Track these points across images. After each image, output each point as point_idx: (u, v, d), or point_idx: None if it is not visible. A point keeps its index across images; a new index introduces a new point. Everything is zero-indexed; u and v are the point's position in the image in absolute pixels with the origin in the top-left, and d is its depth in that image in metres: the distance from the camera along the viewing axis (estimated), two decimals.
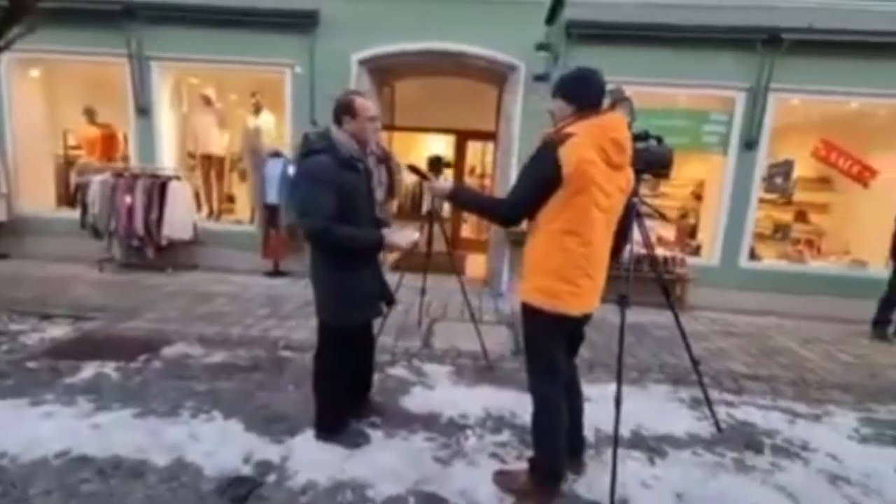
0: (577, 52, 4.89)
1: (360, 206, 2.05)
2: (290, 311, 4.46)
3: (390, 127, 6.65)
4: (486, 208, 1.93)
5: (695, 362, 2.65)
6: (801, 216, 6.27)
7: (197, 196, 6.20)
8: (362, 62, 5.39)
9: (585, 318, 1.90)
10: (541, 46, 5.05)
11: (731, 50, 5.09)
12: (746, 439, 2.61)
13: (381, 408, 2.65)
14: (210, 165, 6.28)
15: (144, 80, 5.61)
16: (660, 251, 5.69)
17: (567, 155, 1.57)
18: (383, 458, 2.20)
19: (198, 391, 2.79)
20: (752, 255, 5.60)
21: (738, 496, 2.11)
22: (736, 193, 5.41)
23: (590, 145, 1.59)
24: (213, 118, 6.12)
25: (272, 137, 6.15)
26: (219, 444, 2.25)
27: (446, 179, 2.07)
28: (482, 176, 8.62)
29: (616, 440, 2.01)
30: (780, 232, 6.18)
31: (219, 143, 6.25)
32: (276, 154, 5.46)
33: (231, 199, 6.98)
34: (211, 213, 6.39)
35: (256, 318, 4.20)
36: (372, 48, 5.35)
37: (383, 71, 5.71)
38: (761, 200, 5.63)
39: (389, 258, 1.91)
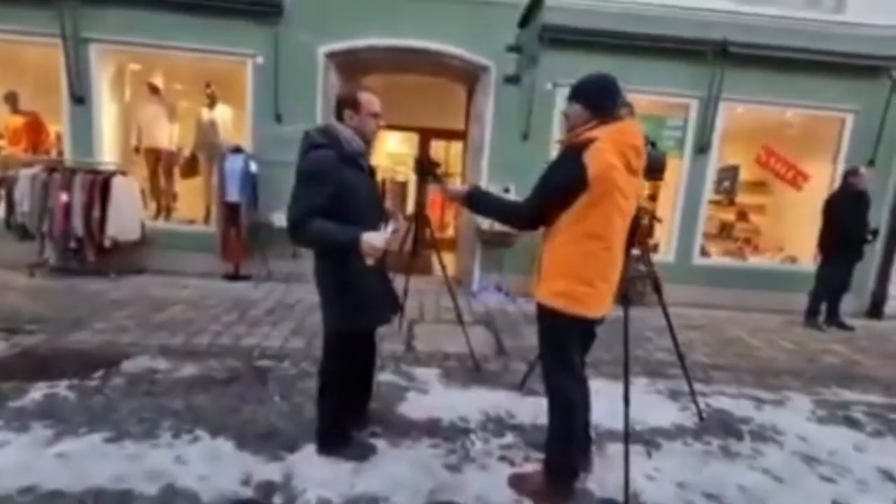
0: (548, 55, 5.00)
1: (362, 204, 1.95)
2: (258, 316, 4.21)
3: None
4: (506, 212, 1.91)
5: (681, 357, 2.80)
6: (742, 216, 6.84)
7: (142, 193, 5.69)
8: (330, 56, 5.18)
9: (600, 320, 1.94)
10: (512, 48, 5.12)
11: (686, 60, 5.42)
12: (726, 427, 2.79)
13: (379, 416, 2.56)
14: (157, 160, 5.78)
15: (81, 65, 5.05)
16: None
17: (592, 159, 1.60)
18: (394, 470, 2.12)
19: (174, 409, 2.55)
20: (703, 253, 6.02)
21: (731, 481, 2.25)
22: (689, 195, 5.79)
23: (613, 150, 1.63)
24: (161, 109, 5.64)
25: (228, 131, 5.77)
26: (211, 467, 2.07)
27: (446, 181, 1.94)
28: (446, 174, 8.62)
29: (627, 437, 2.07)
30: (724, 231, 6.69)
31: (167, 135, 5.76)
32: (237, 149, 5.13)
33: (174, 196, 6.47)
34: (159, 211, 5.89)
35: (223, 325, 3.92)
36: (340, 42, 5.16)
37: (351, 66, 5.53)
38: (709, 201, 6.07)
39: (368, 261, 1.66)
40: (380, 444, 2.34)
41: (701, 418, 2.83)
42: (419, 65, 5.50)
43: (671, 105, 5.68)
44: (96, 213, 4.76)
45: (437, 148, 8.16)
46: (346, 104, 1.95)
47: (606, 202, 1.64)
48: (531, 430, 2.60)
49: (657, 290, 2.81)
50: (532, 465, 2.25)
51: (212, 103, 5.66)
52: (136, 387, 2.79)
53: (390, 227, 1.87)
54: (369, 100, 1.95)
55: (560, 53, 4.98)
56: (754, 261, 6.31)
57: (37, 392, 2.63)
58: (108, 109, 5.39)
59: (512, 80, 5.17)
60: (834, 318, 5.33)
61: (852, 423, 3.01)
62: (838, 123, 5.75)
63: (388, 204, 6.59)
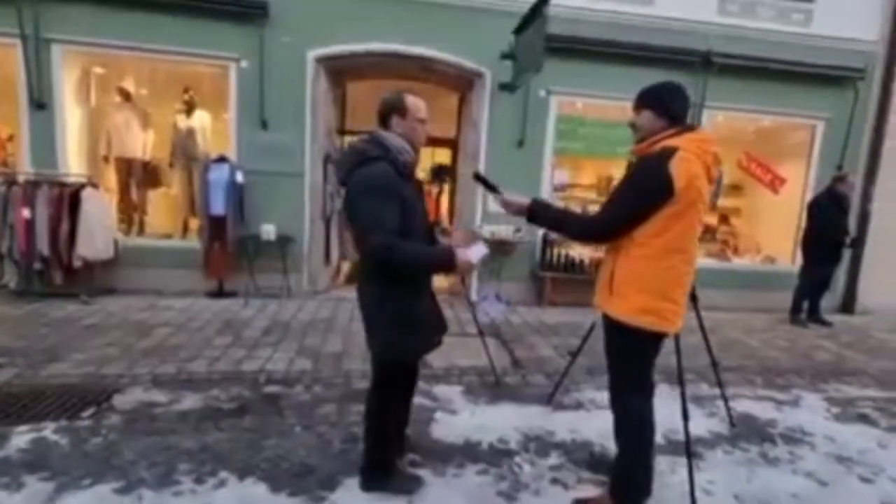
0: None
1: (418, 220, 1.81)
2: (255, 337, 3.93)
3: (341, 131, 6.24)
4: (574, 225, 1.82)
5: (714, 363, 2.79)
6: (723, 219, 7.09)
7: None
8: (320, 60, 4.97)
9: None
10: (506, 55, 5.09)
11: (672, 69, 5.56)
12: (757, 431, 2.81)
13: (414, 442, 2.40)
14: (129, 170, 5.35)
15: (42, 67, 4.61)
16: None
17: (678, 170, 1.53)
18: (448, 502, 1.97)
19: (186, 448, 2.29)
20: None
21: (780, 488, 2.23)
22: None
23: (695, 160, 1.57)
24: (133, 115, 5.23)
25: (208, 140, 5.44)
26: None
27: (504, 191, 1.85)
28: (430, 182, 8.47)
29: (689, 455, 2.02)
30: (708, 233, 6.91)
31: (140, 144, 5.35)
32: (222, 159, 4.82)
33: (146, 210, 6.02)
34: (130, 226, 5.45)
35: (218, 349, 3.62)
36: (332, 46, 4.96)
37: (341, 71, 5.34)
38: None
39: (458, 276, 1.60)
40: (423, 473, 2.18)
41: (732, 424, 2.83)
42: (410, 71, 5.38)
43: None
44: (64, 230, 4.33)
45: (423, 155, 8.01)
46: (392, 110, 1.79)
47: (691, 213, 1.58)
48: (574, 447, 2.51)
49: (693, 297, 2.78)
50: (587, 487, 2.16)
51: (189, 110, 5.31)
52: (136, 424, 2.50)
53: (480, 243, 1.77)
54: (415, 104, 1.81)
55: (553, 61, 4.98)
56: (737, 262, 6.55)
57: (20, 438, 2.30)
58: (72, 116, 4.94)
59: (507, 87, 5.14)
60: (815, 315, 5.58)
61: (866, 419, 3.10)
62: (810, 130, 6.07)
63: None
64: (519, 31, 4.76)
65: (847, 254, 5.97)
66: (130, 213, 5.46)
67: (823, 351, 4.57)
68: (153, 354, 3.44)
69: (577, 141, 5.77)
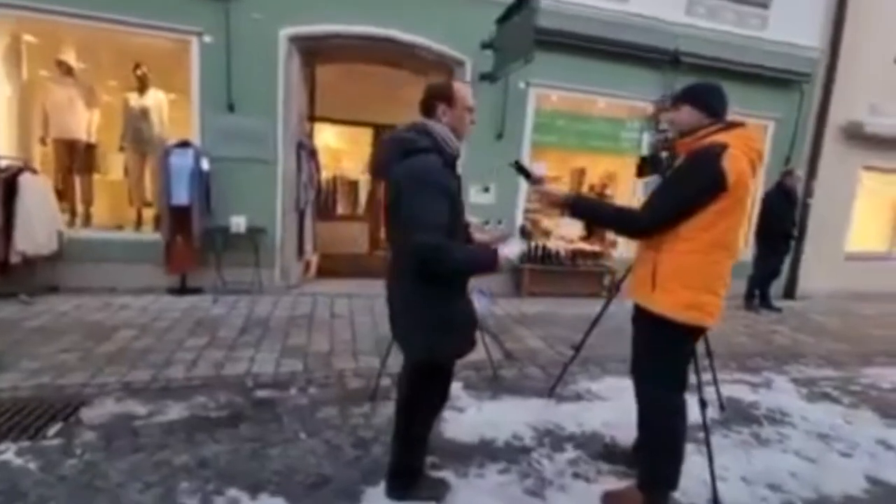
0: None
1: (461, 217, 1.72)
2: (232, 337, 3.66)
3: (311, 117, 5.91)
4: (617, 218, 1.80)
5: (709, 352, 2.91)
6: None
7: None
8: (293, 40, 4.65)
9: None
10: (487, 45, 5.01)
11: (644, 67, 5.74)
12: (744, 414, 2.98)
13: (430, 444, 2.32)
14: (72, 154, 4.77)
15: None
16: (585, 246, 6.20)
17: (730, 166, 1.55)
18: None
19: (183, 465, 2.08)
20: None
21: (779, 468, 2.38)
22: (646, 192, 6.16)
23: (743, 157, 1.59)
24: (76, 92, 4.65)
25: (165, 122, 4.97)
26: None
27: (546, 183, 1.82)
28: None
29: (708, 442, 2.08)
30: None
31: (84, 124, 4.78)
32: (184, 144, 4.41)
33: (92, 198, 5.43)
34: (74, 216, 4.89)
35: (193, 351, 3.34)
36: (306, 25, 4.65)
37: (313, 53, 5.03)
38: None
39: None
40: (445, 475, 2.12)
41: (722, 409, 2.99)
42: (387, 55, 5.18)
43: (632, 108, 5.99)
44: None
45: None
46: (439, 97, 1.67)
47: (738, 209, 1.61)
48: (585, 440, 2.54)
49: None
50: (608, 479, 2.18)
51: (142, 88, 4.81)
52: (116, 441, 2.24)
53: (515, 239, 1.70)
54: (464, 91, 1.70)
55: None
56: None
57: None
58: None
59: (488, 77, 5.07)
60: (766, 302, 6.03)
61: (830, 398, 3.38)
62: (762, 129, 6.49)
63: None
64: (502, 20, 4.69)
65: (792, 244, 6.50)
66: (74, 202, 4.89)
67: (780, 335, 4.94)
68: (119, 360, 3.11)
69: (554, 134, 5.83)
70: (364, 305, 4.75)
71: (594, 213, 1.85)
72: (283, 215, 4.92)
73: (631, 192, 6.26)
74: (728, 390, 3.31)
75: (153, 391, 2.75)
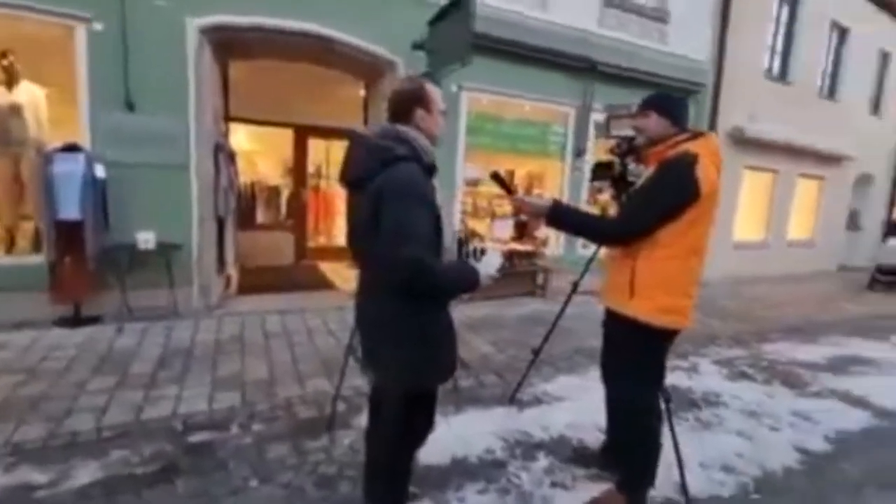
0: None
1: (443, 230, 1.59)
2: (148, 373, 3.16)
3: (225, 117, 5.36)
4: (597, 227, 1.80)
5: None
6: (603, 210, 7.98)
7: None
8: (205, 31, 4.16)
9: None
10: (417, 46, 4.91)
11: (567, 73, 6.02)
12: (685, 400, 3.20)
13: None
14: None
15: None
16: (518, 246, 6.36)
17: (703, 175, 1.60)
18: None
19: None
20: (584, 244, 6.82)
21: (728, 448, 2.59)
22: (571, 193, 6.49)
23: (711, 165, 1.66)
24: None
25: (42, 121, 4.18)
26: None
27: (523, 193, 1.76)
28: (322, 175, 7.85)
29: (674, 435, 2.17)
30: None
31: None
32: (72, 148, 3.73)
33: None
34: None
35: (101, 395, 2.82)
36: (220, 15, 4.17)
37: (228, 47, 4.55)
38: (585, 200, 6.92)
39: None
40: None
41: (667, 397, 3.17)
42: (313, 53, 4.84)
43: (555, 112, 6.25)
44: None
45: (318, 147, 7.37)
46: (415, 101, 1.52)
47: (709, 217, 1.68)
48: (554, 444, 2.55)
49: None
50: (585, 484, 2.20)
51: (10, 81, 3.98)
52: None
53: (492, 252, 1.59)
54: (437, 94, 1.57)
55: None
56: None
57: None
58: None
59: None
60: None
61: (747, 376, 3.77)
62: None
63: None
64: (434, 22, 4.61)
65: None
66: None
67: (695, 321, 5.44)
68: (2, 415, 2.52)
69: (486, 136, 5.89)
70: (300, 322, 4.40)
71: (573, 221, 1.84)
72: (200, 227, 4.38)
73: (559, 192, 6.53)
74: (668, 378, 3.55)
75: (54, 450, 2.26)
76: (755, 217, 8.79)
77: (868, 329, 5.48)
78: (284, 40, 4.54)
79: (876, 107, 10.55)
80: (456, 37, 4.12)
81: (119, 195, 3.97)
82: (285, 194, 7.55)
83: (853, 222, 10.97)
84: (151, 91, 4.04)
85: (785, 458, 2.52)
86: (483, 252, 1.65)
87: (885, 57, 10.38)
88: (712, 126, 7.36)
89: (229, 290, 5.34)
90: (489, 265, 1.62)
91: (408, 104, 1.52)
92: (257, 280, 5.82)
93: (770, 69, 8.36)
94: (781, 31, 8.43)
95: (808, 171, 9.22)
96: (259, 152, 7.84)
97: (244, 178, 6.80)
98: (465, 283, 1.52)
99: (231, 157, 4.85)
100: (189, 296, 4.40)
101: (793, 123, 8.31)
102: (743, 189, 8.20)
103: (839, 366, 4.15)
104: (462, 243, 5.70)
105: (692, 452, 2.49)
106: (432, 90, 1.56)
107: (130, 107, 4.00)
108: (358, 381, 3.19)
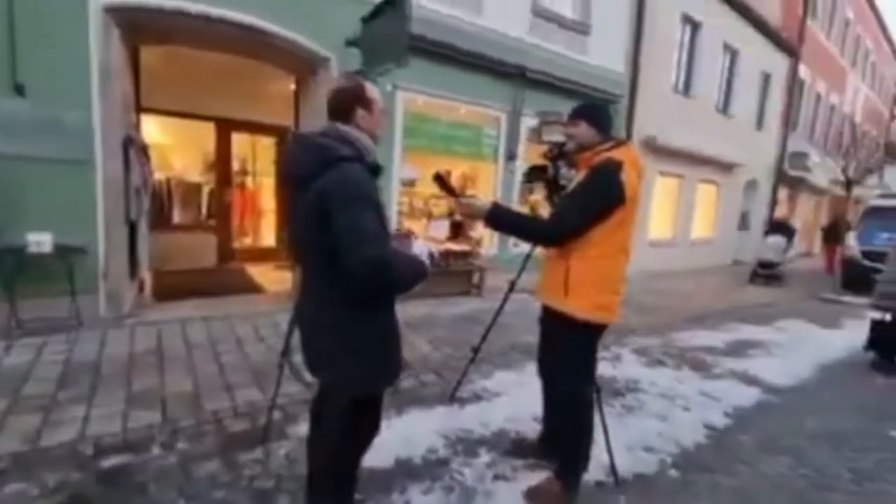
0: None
1: (387, 230, 1.58)
2: (46, 393, 2.80)
3: (136, 108, 4.87)
4: (533, 229, 1.88)
5: None
6: (532, 209, 8.34)
7: None
8: (111, 10, 3.75)
9: None
10: (351, 43, 4.81)
11: (499, 78, 6.22)
12: (609, 388, 3.44)
13: None
14: None
15: None
16: (454, 246, 6.47)
17: (627, 179, 1.74)
18: None
19: None
20: (515, 243, 7.09)
21: (650, 430, 2.83)
22: (504, 194, 6.72)
23: (633, 170, 1.81)
24: None
25: None
26: None
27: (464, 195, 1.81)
28: (247, 172, 7.39)
29: (604, 423, 2.33)
30: None
31: None
32: None
33: None
34: None
35: None
36: None
37: (140, 30, 4.14)
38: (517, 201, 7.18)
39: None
40: None
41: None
42: (242, 45, 4.56)
43: (488, 116, 6.43)
44: None
45: (242, 142, 6.93)
46: (356, 101, 1.49)
47: (633, 218, 1.82)
48: (494, 439, 2.63)
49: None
50: (525, 473, 2.29)
51: None
52: None
53: (418, 242, 1.61)
54: (377, 94, 1.56)
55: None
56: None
57: None
58: None
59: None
60: None
61: (661, 363, 4.15)
62: None
63: None
64: (368, 19, 4.55)
65: None
66: None
67: None
68: None
69: (422, 137, 5.91)
70: (226, 329, 4.13)
71: (511, 223, 1.93)
72: (107, 228, 3.95)
73: (492, 193, 6.72)
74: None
75: None
76: (666, 217, 9.68)
77: (756, 316, 6.27)
78: (209, 28, 4.22)
79: (760, 122, 12.08)
80: (392, 36, 4.09)
81: (5, 192, 3.47)
82: (206, 192, 7.02)
83: (744, 222, 12.46)
84: (46, 73, 3.58)
85: (696, 435, 2.82)
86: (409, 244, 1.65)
87: (766, 78, 11.91)
88: (628, 134, 7.99)
89: (143, 297, 4.87)
90: (420, 254, 1.61)
91: (348, 103, 1.50)
92: (176, 285, 5.37)
93: (676, 84, 9.25)
94: (685, 50, 9.36)
95: (707, 176, 10.33)
96: (174, 147, 7.22)
97: (158, 174, 6.23)
98: (417, 273, 1.52)
99: (144, 151, 4.42)
100: (95, 304, 3.96)
101: (695, 134, 9.27)
102: (655, 192, 8.98)
103: (736, 349, 4.71)
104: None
105: (618, 436, 2.69)
106: (372, 89, 1.55)
107: (19, 90, 3.51)
108: (293, 389, 3.07)
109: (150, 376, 3.11)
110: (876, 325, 4.44)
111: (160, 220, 6.12)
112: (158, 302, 4.88)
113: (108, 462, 2.20)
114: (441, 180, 1.86)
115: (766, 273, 9.07)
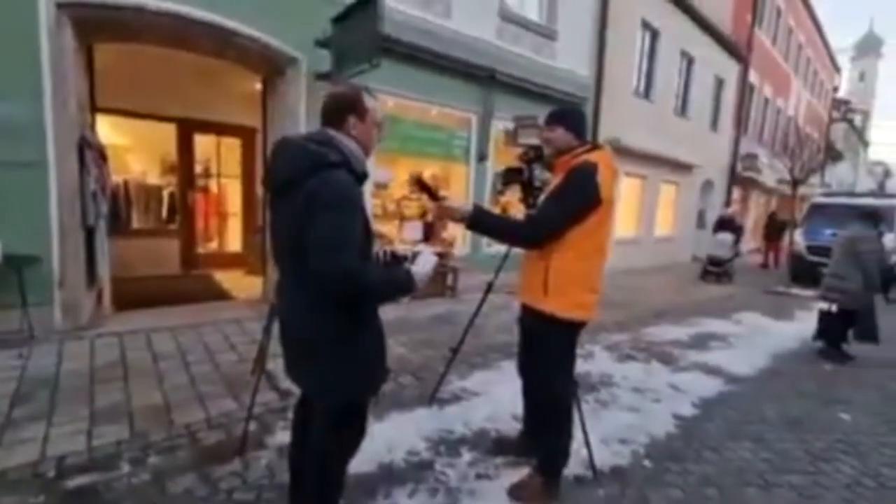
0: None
1: (371, 240, 1.58)
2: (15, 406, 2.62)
3: (91, 108, 4.62)
4: (514, 231, 1.91)
5: None
6: (504, 210, 8.44)
7: None
8: (64, 6, 3.55)
9: None
10: (321, 43, 4.75)
11: (469, 81, 6.27)
12: (584, 384, 3.54)
13: None
14: None
15: None
16: (428, 248, 6.47)
17: (603, 182, 1.81)
18: None
19: None
20: (489, 244, 7.17)
21: (625, 423, 2.93)
22: (476, 195, 6.78)
23: (608, 173, 1.87)
24: None
25: None
26: None
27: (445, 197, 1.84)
28: (211, 174, 7.13)
29: (582, 417, 2.40)
30: None
31: None
32: None
33: None
34: None
35: None
36: None
37: (95, 26, 3.93)
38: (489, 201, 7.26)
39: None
40: None
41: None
42: (201, 41, 4.41)
43: (459, 118, 6.47)
44: None
45: (206, 143, 6.68)
46: (349, 109, 1.48)
47: (610, 219, 1.89)
48: (475, 439, 2.66)
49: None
50: (507, 471, 2.33)
51: None
52: None
53: (425, 252, 1.60)
54: (374, 105, 1.55)
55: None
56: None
57: None
58: None
59: (326, 77, 4.81)
60: None
61: (630, 357, 4.30)
62: None
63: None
64: (339, 20, 4.50)
65: None
66: None
67: None
68: None
69: (395, 139, 5.89)
70: (195, 338, 3.99)
71: (492, 226, 1.97)
72: (62, 235, 3.73)
73: (464, 195, 6.78)
74: None
75: None
76: (630, 217, 10.03)
77: (715, 310, 6.59)
78: (169, 25, 4.06)
79: (715, 125, 12.70)
80: (363, 38, 4.07)
81: None
82: (167, 195, 6.73)
83: (700, 220, 13.06)
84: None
85: (666, 426, 2.94)
86: (415, 255, 1.65)
87: (720, 83, 12.54)
88: (594, 136, 8.23)
89: (103, 307, 4.63)
90: (426, 264, 1.61)
91: (341, 110, 1.49)
92: (138, 293, 5.14)
93: (638, 88, 9.60)
94: (646, 56, 9.73)
95: (667, 177, 10.78)
96: (133, 148, 6.88)
97: (117, 176, 5.92)
98: (397, 287, 1.52)
99: (101, 153, 4.21)
100: (49, 316, 3.74)
101: (656, 136, 9.65)
102: (621, 192, 9.29)
103: (699, 342, 4.94)
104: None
105: (594, 430, 2.78)
106: (369, 100, 1.54)
107: None
108: (269, 397, 3.01)
109: (114, 390, 2.97)
110: (823, 316, 4.75)
111: (119, 225, 5.82)
112: (119, 311, 4.66)
113: (74, 482, 2.08)
114: (421, 183, 1.87)
115: (715, 270, 9.18)
